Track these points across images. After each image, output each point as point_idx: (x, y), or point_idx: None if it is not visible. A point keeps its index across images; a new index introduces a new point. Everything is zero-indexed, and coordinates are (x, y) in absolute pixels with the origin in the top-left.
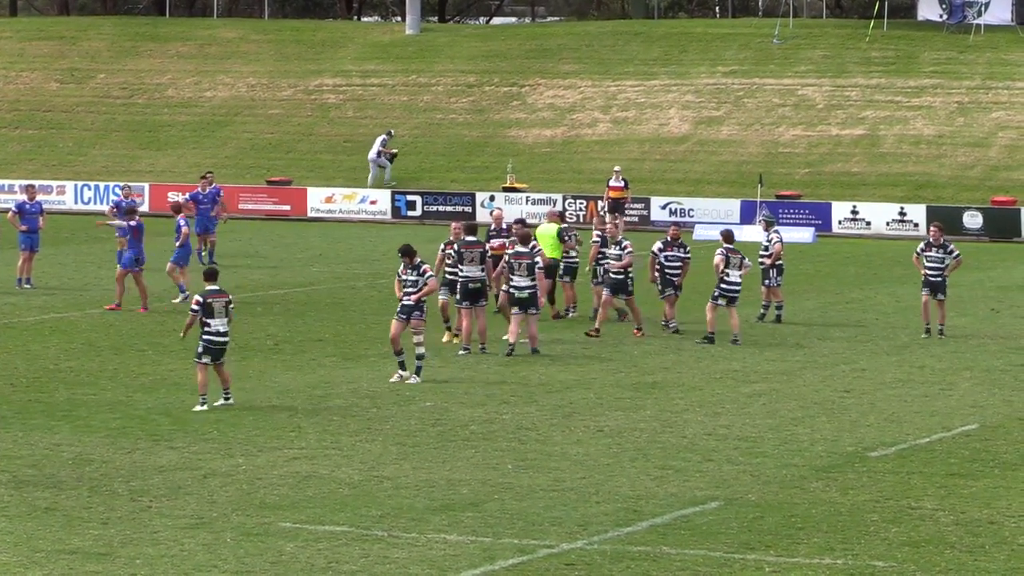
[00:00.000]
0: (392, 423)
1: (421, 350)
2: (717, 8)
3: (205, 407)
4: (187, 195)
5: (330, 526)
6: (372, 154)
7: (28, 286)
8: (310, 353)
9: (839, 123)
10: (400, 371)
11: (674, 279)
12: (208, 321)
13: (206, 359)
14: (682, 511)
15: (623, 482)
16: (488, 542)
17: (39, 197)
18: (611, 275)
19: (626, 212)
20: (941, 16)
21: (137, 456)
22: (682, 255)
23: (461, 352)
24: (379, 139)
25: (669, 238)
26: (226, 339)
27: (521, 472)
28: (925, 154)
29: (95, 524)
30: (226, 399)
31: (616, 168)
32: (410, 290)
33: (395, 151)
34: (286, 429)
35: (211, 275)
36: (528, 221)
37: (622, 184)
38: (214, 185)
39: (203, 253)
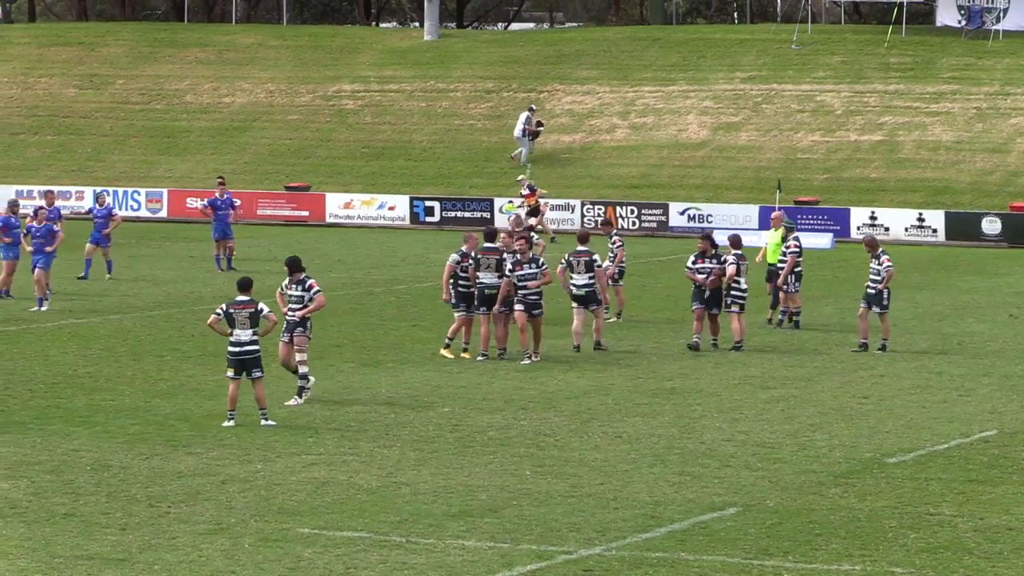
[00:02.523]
0: (410, 429)
1: (304, 369)
2: (735, 14)
3: (232, 423)
4: (205, 200)
5: (348, 532)
6: (517, 132)
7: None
8: (328, 359)
9: (857, 129)
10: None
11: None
12: (232, 331)
13: (230, 372)
14: (700, 517)
15: (641, 488)
16: (506, 548)
17: (57, 203)
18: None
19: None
20: (959, 22)
21: (155, 462)
22: (713, 265)
23: (479, 358)
24: (522, 116)
25: (699, 251)
26: (249, 350)
27: (539, 478)
28: (943, 160)
29: (113, 530)
30: (264, 419)
31: (520, 178)
32: (295, 306)
33: (540, 128)
34: (304, 435)
35: (243, 285)
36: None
37: (530, 192)
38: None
39: (221, 259)
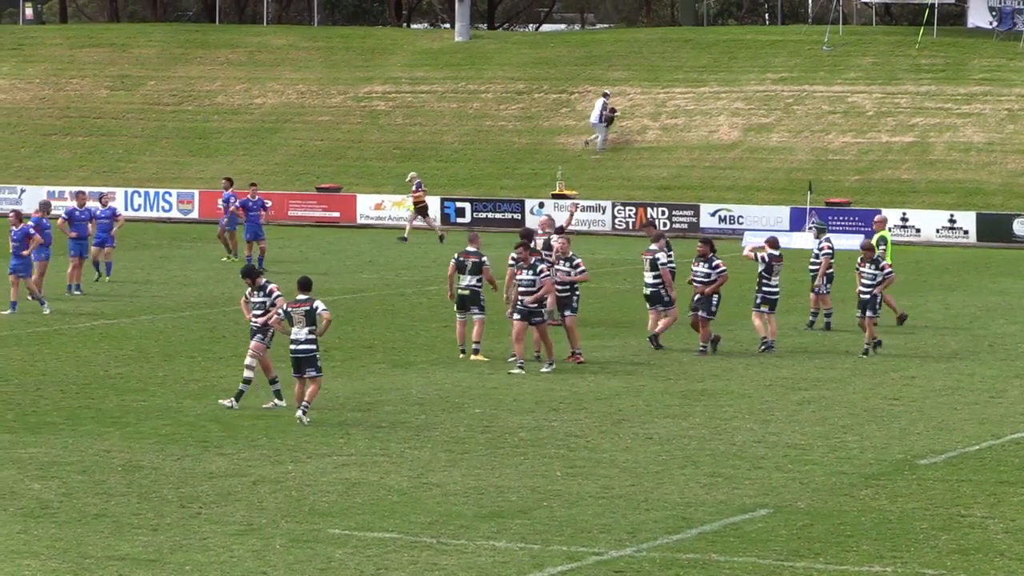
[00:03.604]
0: (441, 430)
1: (249, 374)
2: (767, 15)
3: (306, 418)
4: (238, 202)
5: (379, 533)
6: (594, 118)
7: (78, 292)
8: (359, 360)
9: (889, 130)
10: (276, 399)
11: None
12: (292, 329)
13: (293, 371)
14: (731, 518)
15: (672, 489)
16: (537, 549)
17: (88, 204)
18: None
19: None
20: (991, 23)
21: (187, 463)
22: (706, 270)
23: (510, 360)
24: (599, 101)
25: (698, 254)
26: (303, 348)
27: (570, 479)
28: (975, 161)
29: (145, 531)
30: (302, 412)
31: (410, 175)
32: (258, 312)
33: (616, 113)
34: (335, 436)
35: (303, 284)
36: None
37: (417, 189)
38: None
39: (252, 260)
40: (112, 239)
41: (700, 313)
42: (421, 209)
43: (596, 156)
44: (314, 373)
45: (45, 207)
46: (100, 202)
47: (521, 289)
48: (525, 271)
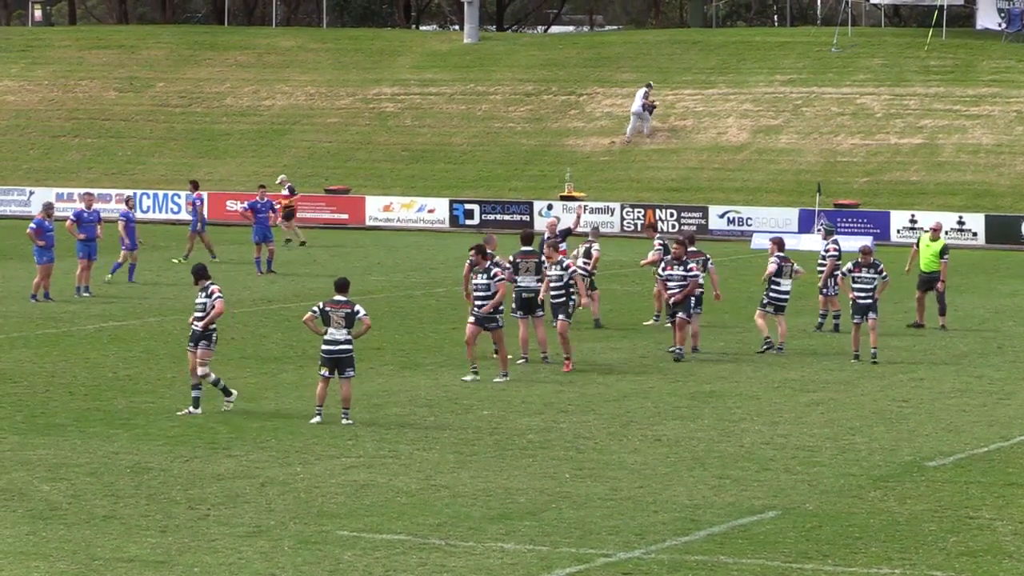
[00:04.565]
0: (449, 432)
1: (213, 376)
2: (775, 17)
3: (318, 419)
4: (246, 203)
5: (387, 535)
6: (635, 107)
7: (87, 294)
8: (368, 362)
9: (898, 132)
10: (196, 404)
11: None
12: (327, 330)
13: (323, 371)
14: (740, 520)
15: (680, 491)
16: (545, 551)
17: (96, 205)
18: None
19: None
20: (1000, 25)
21: (195, 464)
22: (682, 272)
23: (519, 362)
24: (640, 91)
25: (673, 256)
26: (342, 348)
27: (578, 481)
28: (984, 163)
29: (153, 532)
30: (344, 417)
31: (280, 178)
32: (199, 315)
33: (655, 104)
34: (344, 437)
35: (341, 286)
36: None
37: (290, 193)
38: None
39: (261, 262)
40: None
41: (680, 315)
42: (288, 214)
43: (630, 142)
44: (352, 373)
45: (48, 209)
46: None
47: (477, 293)
48: (479, 275)
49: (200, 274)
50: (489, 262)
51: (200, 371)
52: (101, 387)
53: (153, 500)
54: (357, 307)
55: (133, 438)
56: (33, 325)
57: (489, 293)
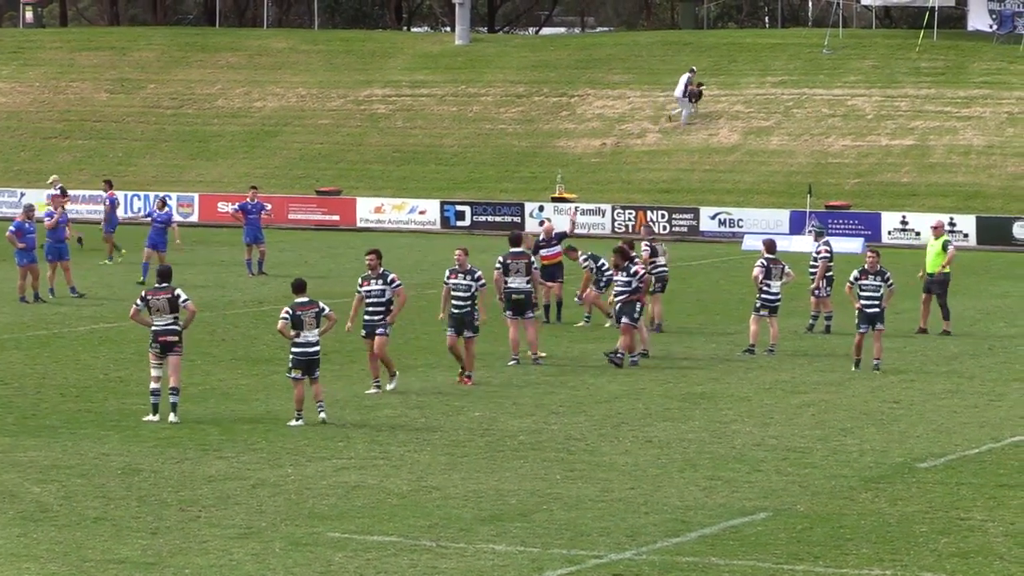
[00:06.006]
0: (440, 433)
1: (179, 385)
2: (766, 18)
3: (300, 422)
4: (236, 205)
5: (379, 536)
6: (678, 92)
7: (73, 295)
8: (359, 363)
9: (888, 133)
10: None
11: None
12: (297, 333)
13: (296, 373)
14: (731, 522)
15: (672, 492)
16: (536, 552)
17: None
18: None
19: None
20: (991, 26)
21: (186, 466)
22: (625, 278)
23: (510, 363)
24: (684, 76)
25: (612, 265)
26: (316, 350)
27: (570, 482)
28: (975, 164)
29: (144, 534)
30: (320, 411)
31: (52, 178)
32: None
33: (701, 87)
34: (335, 439)
35: (299, 287)
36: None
37: (61, 194)
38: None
39: (252, 263)
40: (165, 243)
41: (624, 320)
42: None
43: (676, 126)
44: (319, 372)
45: (28, 211)
46: (157, 205)
47: (369, 300)
48: (373, 281)
49: (164, 274)
50: (383, 270)
51: (172, 379)
52: (92, 389)
53: (144, 502)
54: (322, 304)
55: (124, 440)
56: (24, 327)
57: (383, 300)
